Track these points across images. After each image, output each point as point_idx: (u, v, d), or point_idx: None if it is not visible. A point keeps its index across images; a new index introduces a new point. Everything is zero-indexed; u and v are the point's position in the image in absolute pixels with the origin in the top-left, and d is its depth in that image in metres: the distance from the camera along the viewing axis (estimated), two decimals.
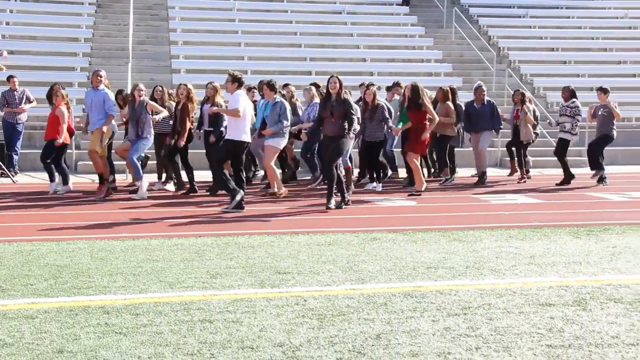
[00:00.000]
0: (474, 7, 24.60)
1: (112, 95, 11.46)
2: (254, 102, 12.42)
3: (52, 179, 11.60)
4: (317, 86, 12.93)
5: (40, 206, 10.40)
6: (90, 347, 4.41)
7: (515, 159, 14.02)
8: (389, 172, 12.96)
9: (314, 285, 5.95)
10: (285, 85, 13.26)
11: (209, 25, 21.44)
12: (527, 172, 14.04)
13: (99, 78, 11.22)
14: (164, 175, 12.37)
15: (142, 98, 11.17)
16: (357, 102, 12.40)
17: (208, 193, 11.60)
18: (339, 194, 10.27)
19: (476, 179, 13.54)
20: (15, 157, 14.32)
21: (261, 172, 13.38)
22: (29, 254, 7.05)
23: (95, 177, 11.78)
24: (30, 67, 18.06)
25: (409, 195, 11.62)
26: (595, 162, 13.22)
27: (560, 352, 4.43)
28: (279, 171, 12.11)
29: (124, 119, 12.12)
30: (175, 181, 12.07)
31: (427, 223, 9.22)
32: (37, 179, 13.46)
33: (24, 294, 5.61)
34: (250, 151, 11.90)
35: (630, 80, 21.38)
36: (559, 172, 13.79)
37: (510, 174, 14.23)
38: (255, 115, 11.88)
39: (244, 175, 10.30)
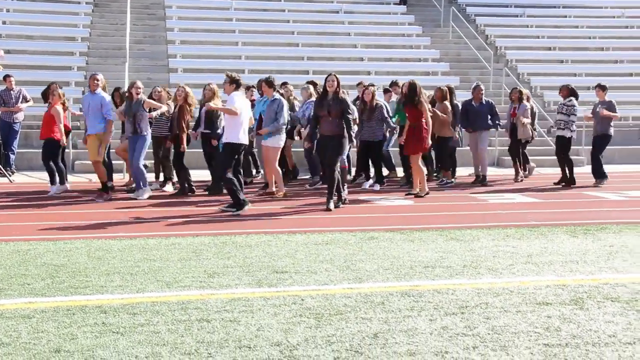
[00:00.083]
0: (471, 6, 24.66)
1: (109, 99, 11.37)
2: (252, 101, 12.36)
3: (52, 181, 11.46)
4: (314, 84, 12.91)
5: (37, 206, 10.38)
6: (87, 346, 4.41)
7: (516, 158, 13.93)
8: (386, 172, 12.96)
9: (311, 285, 5.95)
10: (284, 84, 13.24)
11: (206, 25, 21.42)
12: (526, 169, 14.00)
13: (95, 82, 11.08)
14: (161, 176, 12.33)
15: (139, 96, 11.13)
16: (354, 102, 12.39)
17: (207, 193, 11.57)
18: (336, 194, 10.26)
19: (473, 177, 13.53)
20: (12, 157, 14.29)
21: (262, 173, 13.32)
22: (26, 254, 7.04)
23: (93, 177, 11.73)
24: (27, 67, 18.05)
25: (406, 194, 11.62)
26: (597, 171, 13.12)
27: (558, 351, 4.44)
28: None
29: (121, 119, 12.04)
30: (178, 185, 11.83)
31: (425, 222, 9.22)
32: (34, 179, 13.45)
33: (21, 294, 5.60)
34: (251, 152, 11.85)
35: (627, 79, 21.42)
36: (556, 172, 13.78)
37: (515, 177, 13.81)
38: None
39: (243, 179, 10.23)
